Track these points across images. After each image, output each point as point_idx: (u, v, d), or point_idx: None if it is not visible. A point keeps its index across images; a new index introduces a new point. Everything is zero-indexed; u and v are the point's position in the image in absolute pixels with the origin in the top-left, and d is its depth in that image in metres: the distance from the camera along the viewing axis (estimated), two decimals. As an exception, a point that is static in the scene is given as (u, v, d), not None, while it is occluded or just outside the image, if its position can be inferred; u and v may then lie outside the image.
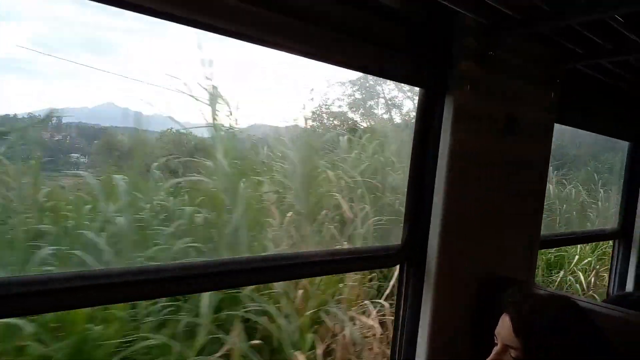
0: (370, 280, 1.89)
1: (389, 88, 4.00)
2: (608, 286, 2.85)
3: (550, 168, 2.47)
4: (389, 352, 1.55)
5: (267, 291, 1.68)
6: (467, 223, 1.56)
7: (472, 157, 1.55)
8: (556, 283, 3.57)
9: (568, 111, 1.99)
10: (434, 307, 1.48)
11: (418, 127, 1.52)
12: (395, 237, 1.54)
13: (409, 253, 1.52)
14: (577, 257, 3.89)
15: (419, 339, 1.50)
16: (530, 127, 1.74)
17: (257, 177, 2.02)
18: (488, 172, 1.61)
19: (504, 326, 1.10)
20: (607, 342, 1.07)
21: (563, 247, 3.62)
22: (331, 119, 4.04)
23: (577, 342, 1.02)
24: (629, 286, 2.75)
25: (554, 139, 1.88)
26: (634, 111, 2.62)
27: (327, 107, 3.99)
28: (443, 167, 1.49)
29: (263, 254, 1.25)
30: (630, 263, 2.76)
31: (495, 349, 1.11)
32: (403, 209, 1.53)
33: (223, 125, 1.96)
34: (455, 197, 1.51)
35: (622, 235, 2.77)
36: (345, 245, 1.46)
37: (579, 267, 3.92)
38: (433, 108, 1.50)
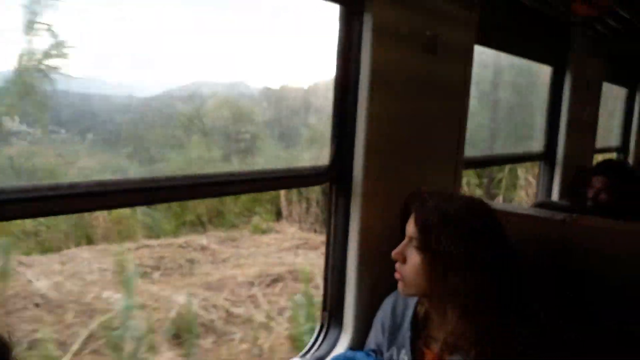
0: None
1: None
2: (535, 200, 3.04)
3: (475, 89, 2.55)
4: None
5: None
6: (390, 142, 1.61)
7: (393, 76, 1.58)
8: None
9: (489, 32, 2.05)
10: (361, 224, 1.54)
11: (340, 47, 1.53)
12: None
13: (336, 173, 1.56)
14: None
15: (348, 254, 1.56)
16: (451, 47, 1.79)
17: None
18: (410, 92, 1.65)
19: (409, 221, 1.18)
20: (504, 237, 1.15)
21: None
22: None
23: (470, 234, 1.10)
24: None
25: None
26: (557, 37, 2.73)
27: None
28: (365, 87, 1.51)
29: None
30: (554, 182, 2.94)
31: (402, 242, 1.19)
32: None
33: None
34: (378, 117, 1.55)
35: (547, 156, 2.94)
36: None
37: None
38: (352, 26, 1.51)
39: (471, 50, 1.90)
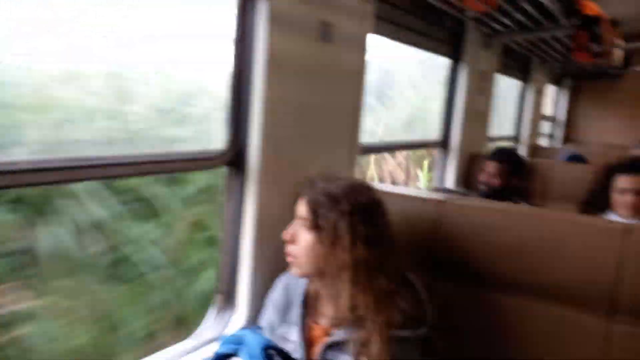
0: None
1: None
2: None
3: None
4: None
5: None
6: (287, 127, 1.65)
7: (289, 63, 1.61)
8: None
9: (384, 23, 2.14)
10: (256, 206, 1.57)
11: (237, 32, 1.54)
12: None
13: (231, 156, 1.57)
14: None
15: (243, 237, 1.59)
16: (347, 36, 1.85)
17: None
18: (306, 79, 1.70)
19: (299, 202, 1.24)
20: (384, 214, 1.24)
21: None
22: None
23: (354, 211, 1.18)
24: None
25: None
26: (453, 30, 2.90)
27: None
28: (260, 72, 1.54)
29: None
30: (448, 168, 3.14)
31: (293, 224, 1.25)
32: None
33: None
34: (274, 102, 1.58)
35: (442, 144, 3.12)
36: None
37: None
38: (248, 12, 1.53)
39: (367, 40, 1.97)
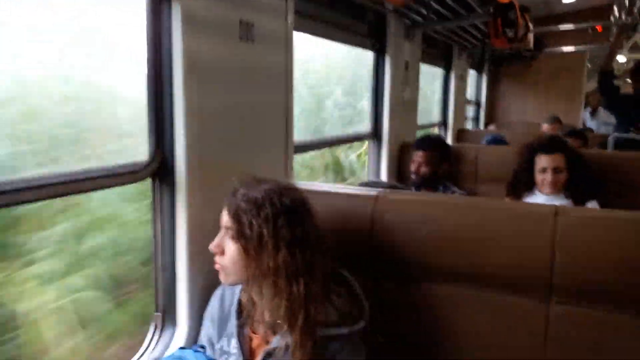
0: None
1: None
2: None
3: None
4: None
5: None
6: (214, 132, 1.59)
7: (210, 65, 1.55)
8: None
9: (306, 19, 2.12)
10: (189, 218, 1.50)
11: (149, 39, 1.46)
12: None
13: (156, 167, 1.49)
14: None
15: (177, 251, 1.52)
16: (269, 35, 1.81)
17: None
18: (230, 81, 1.64)
19: (223, 212, 1.20)
20: (309, 214, 1.21)
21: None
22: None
23: (277, 214, 1.15)
24: (383, 179, 3.19)
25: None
26: (375, 23, 2.92)
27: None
28: (180, 76, 1.47)
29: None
30: (381, 160, 3.18)
31: (218, 234, 1.20)
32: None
33: None
34: (197, 106, 1.51)
35: (374, 136, 3.15)
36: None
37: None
38: (161, 15, 1.45)
39: (291, 38, 1.94)
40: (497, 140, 3.77)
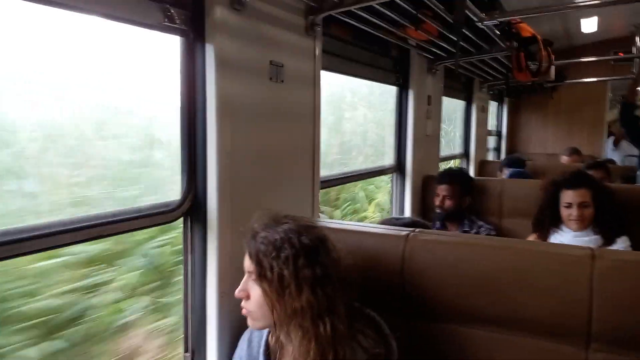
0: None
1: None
2: (391, 214, 3.23)
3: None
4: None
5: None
6: (244, 170, 1.60)
7: (240, 105, 1.58)
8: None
9: (332, 58, 2.15)
10: (220, 258, 1.51)
11: (183, 80, 1.50)
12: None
13: (190, 207, 1.51)
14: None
15: (208, 290, 1.52)
16: (297, 74, 1.84)
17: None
18: (261, 119, 1.67)
19: (245, 256, 1.20)
20: (331, 253, 1.20)
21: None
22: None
23: (297, 254, 1.14)
24: (407, 213, 3.17)
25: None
26: (398, 59, 2.96)
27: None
28: (213, 117, 1.49)
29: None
30: (405, 192, 3.16)
31: (243, 279, 1.20)
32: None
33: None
34: (229, 146, 1.53)
35: (397, 169, 3.15)
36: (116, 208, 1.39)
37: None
38: (194, 58, 1.48)
39: (318, 77, 1.97)
40: (520, 174, 3.74)
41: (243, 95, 1.58)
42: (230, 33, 1.51)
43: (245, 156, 1.60)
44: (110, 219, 1.31)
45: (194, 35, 1.47)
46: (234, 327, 1.51)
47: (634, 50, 4.38)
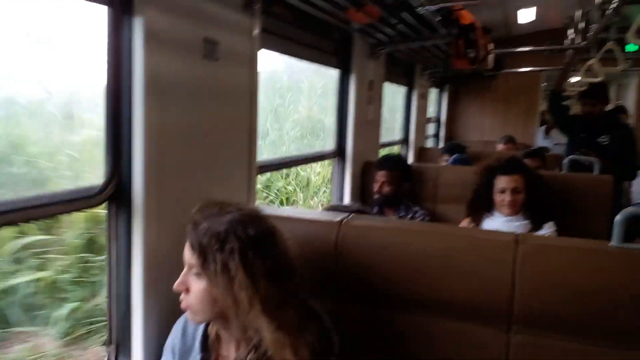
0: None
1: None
2: (331, 201, 3.22)
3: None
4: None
5: None
6: (175, 153, 1.52)
7: (172, 83, 1.49)
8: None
9: (272, 37, 2.09)
10: (146, 245, 1.43)
11: (109, 55, 1.39)
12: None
13: (114, 191, 1.42)
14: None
15: (133, 280, 1.45)
16: (234, 53, 1.76)
17: None
18: (193, 99, 1.58)
19: (186, 248, 1.13)
20: (278, 242, 1.16)
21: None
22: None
23: (244, 246, 1.08)
24: (346, 201, 3.17)
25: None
26: (340, 42, 2.92)
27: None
28: (140, 96, 1.40)
29: None
30: (345, 178, 3.16)
31: (183, 272, 1.14)
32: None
33: None
34: (157, 127, 1.45)
35: (338, 154, 3.14)
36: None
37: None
38: (121, 31, 1.38)
39: (256, 56, 1.90)
40: (462, 160, 3.82)
41: (174, 73, 1.49)
42: (161, 6, 1.42)
43: (176, 138, 1.52)
44: (25, 204, 1.21)
45: (121, 6, 1.36)
46: (162, 318, 1.45)
47: (566, 42, 4.56)
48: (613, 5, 2.28)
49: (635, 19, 1.93)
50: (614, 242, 1.22)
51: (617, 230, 1.23)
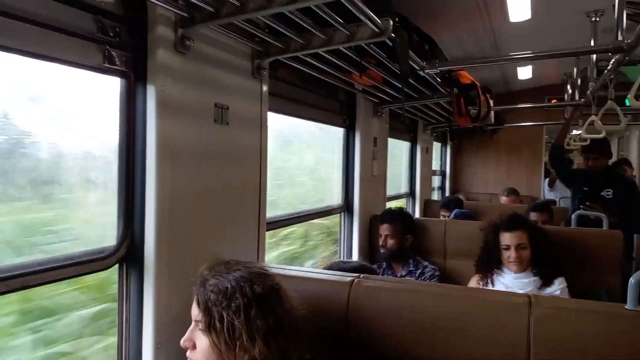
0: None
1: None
2: (339, 256, 3.23)
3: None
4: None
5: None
6: (184, 215, 1.56)
7: (183, 148, 1.55)
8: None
9: (280, 100, 2.17)
10: (157, 304, 1.44)
11: (122, 121, 1.46)
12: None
13: (126, 252, 1.45)
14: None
15: (144, 341, 1.45)
16: (243, 116, 1.83)
17: None
18: (203, 162, 1.64)
19: (193, 304, 1.15)
20: (283, 302, 1.18)
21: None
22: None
23: (248, 304, 1.11)
24: (355, 256, 3.17)
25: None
26: (345, 102, 3.02)
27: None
28: (152, 160, 1.46)
29: None
30: (353, 232, 3.18)
31: (189, 328, 1.15)
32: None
33: None
34: (169, 190, 1.49)
35: (345, 209, 3.17)
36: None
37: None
38: (135, 99, 1.45)
39: (265, 118, 1.97)
40: (463, 215, 3.85)
41: (185, 137, 1.55)
42: (173, 75, 1.50)
43: (187, 200, 1.56)
44: (37, 268, 1.23)
45: (135, 76, 1.44)
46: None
47: (566, 97, 4.67)
48: (611, 65, 2.37)
49: (635, 79, 2.00)
50: (629, 305, 1.22)
51: (631, 293, 1.22)
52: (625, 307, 1.21)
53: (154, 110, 1.45)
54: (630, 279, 1.23)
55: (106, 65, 1.35)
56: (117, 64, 1.38)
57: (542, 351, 1.19)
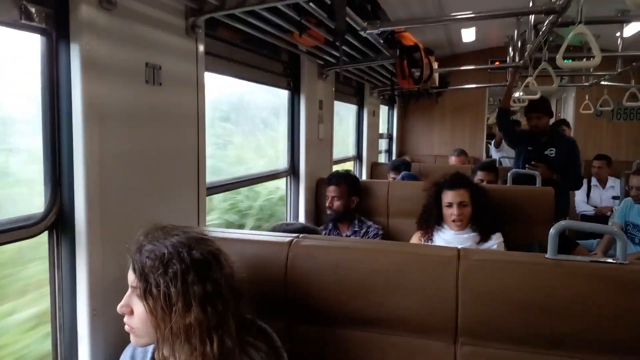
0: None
1: None
2: (285, 219, 3.24)
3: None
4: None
5: None
6: (117, 179, 1.51)
7: (112, 110, 1.48)
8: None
9: (219, 60, 2.11)
10: (91, 271, 1.40)
11: (45, 82, 1.37)
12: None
13: (55, 219, 1.39)
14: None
15: (78, 309, 1.41)
16: (178, 77, 1.77)
17: None
18: (135, 125, 1.58)
19: (129, 270, 1.13)
20: (222, 266, 1.16)
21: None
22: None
23: (186, 270, 1.09)
24: (302, 219, 3.19)
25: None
26: (289, 64, 2.97)
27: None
28: (79, 122, 1.38)
29: None
30: (300, 195, 3.19)
31: (126, 293, 1.13)
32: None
33: None
34: (99, 153, 1.43)
35: (291, 172, 3.17)
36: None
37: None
38: (58, 58, 1.37)
39: (201, 79, 1.91)
40: (410, 176, 3.93)
41: (115, 99, 1.49)
42: (99, 33, 1.41)
43: (118, 163, 1.51)
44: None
45: (57, 34, 1.35)
46: (109, 347, 1.42)
47: (508, 59, 4.79)
48: (545, 27, 2.43)
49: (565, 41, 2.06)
50: (549, 254, 1.29)
51: (551, 243, 1.29)
52: (546, 256, 1.29)
53: (79, 70, 1.37)
54: (551, 229, 1.30)
55: (23, 21, 1.26)
56: (36, 20, 1.29)
57: (469, 300, 1.25)
